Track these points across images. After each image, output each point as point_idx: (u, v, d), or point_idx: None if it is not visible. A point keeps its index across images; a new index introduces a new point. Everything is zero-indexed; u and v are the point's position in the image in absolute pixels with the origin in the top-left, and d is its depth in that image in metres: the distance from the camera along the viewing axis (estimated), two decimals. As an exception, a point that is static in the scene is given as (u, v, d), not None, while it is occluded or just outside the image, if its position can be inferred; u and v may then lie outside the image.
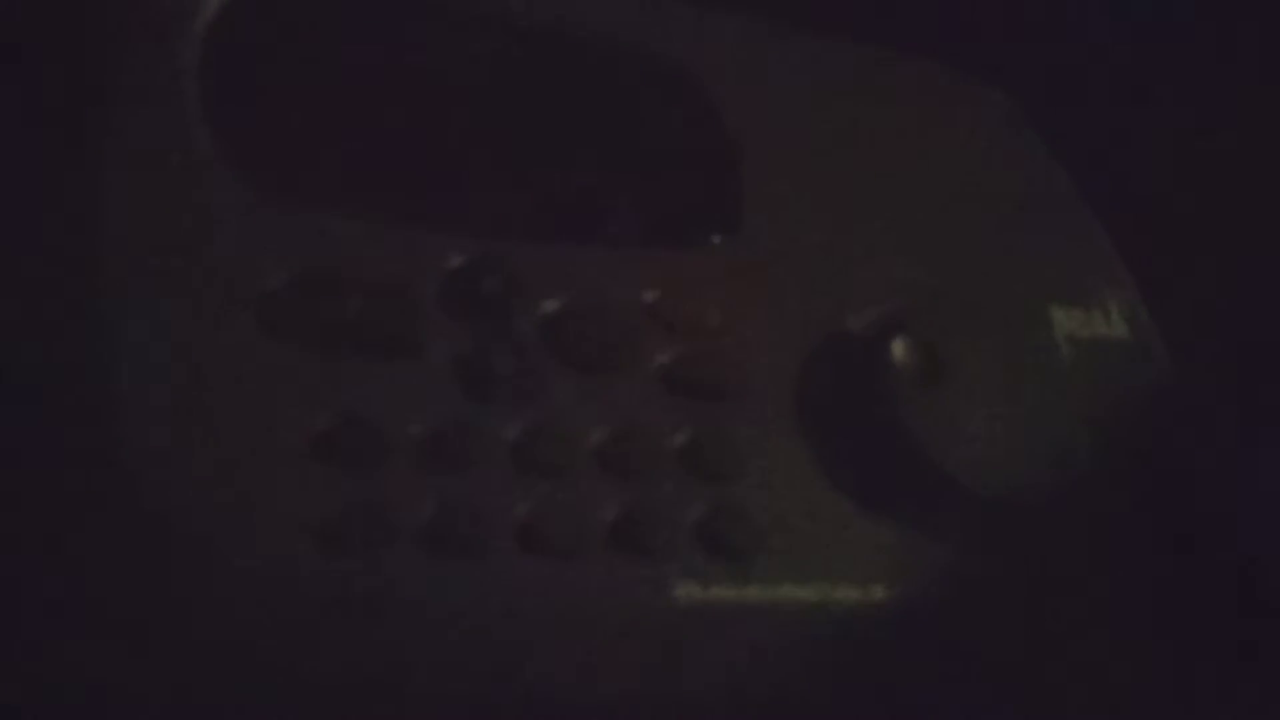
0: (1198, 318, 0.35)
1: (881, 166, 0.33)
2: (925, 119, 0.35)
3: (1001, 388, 0.31)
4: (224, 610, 0.25)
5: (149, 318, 0.25)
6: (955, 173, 0.34)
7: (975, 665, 0.29)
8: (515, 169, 0.30)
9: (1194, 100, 0.39)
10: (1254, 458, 0.34)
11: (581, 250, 0.29)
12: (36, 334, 0.25)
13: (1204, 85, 0.39)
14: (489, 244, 0.28)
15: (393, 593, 0.25)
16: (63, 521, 0.24)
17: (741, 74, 0.33)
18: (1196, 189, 0.38)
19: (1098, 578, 0.30)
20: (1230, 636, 0.31)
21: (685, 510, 0.28)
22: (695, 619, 0.27)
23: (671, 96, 0.32)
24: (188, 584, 0.24)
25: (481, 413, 0.27)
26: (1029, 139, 0.36)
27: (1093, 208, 0.36)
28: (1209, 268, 0.37)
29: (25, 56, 0.27)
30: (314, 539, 0.25)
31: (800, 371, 0.30)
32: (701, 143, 0.32)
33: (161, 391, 0.25)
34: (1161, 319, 0.35)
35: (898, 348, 0.30)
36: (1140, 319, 0.35)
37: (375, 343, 0.27)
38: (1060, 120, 0.36)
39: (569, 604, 0.27)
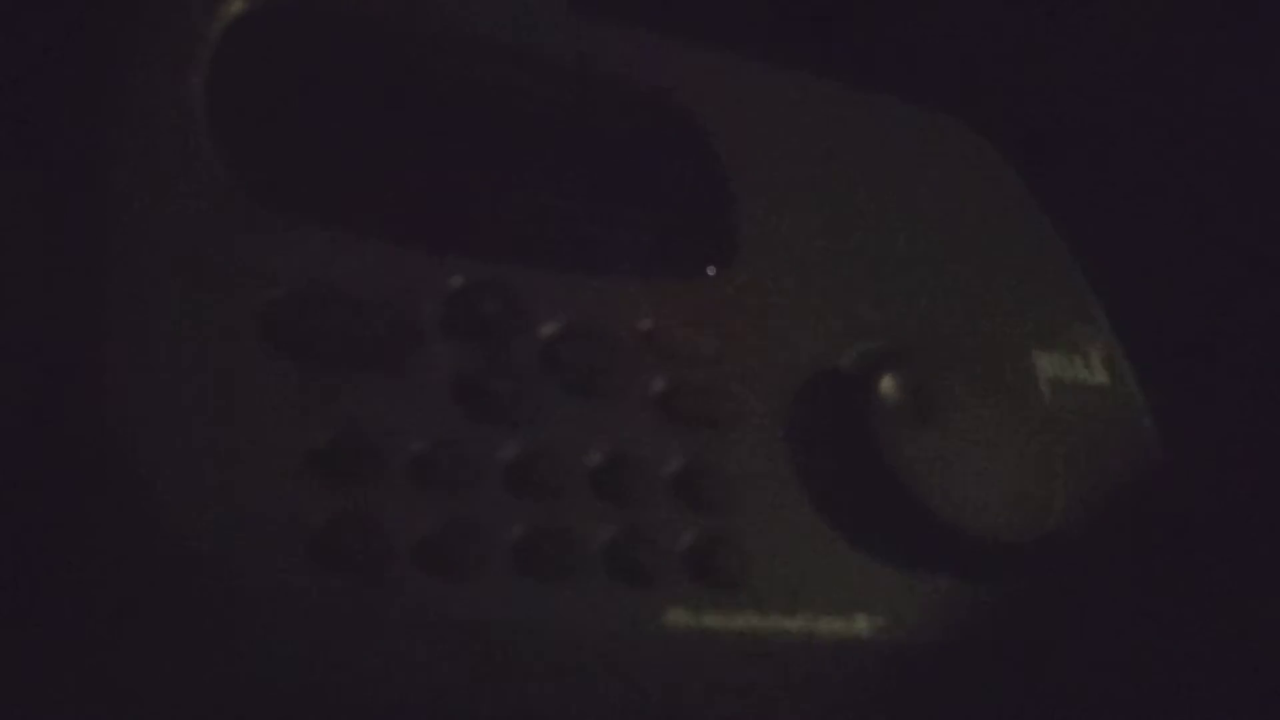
0: (1174, 360, 0.36)
1: (873, 206, 0.34)
2: (917, 161, 0.35)
3: (987, 427, 0.31)
4: (216, 623, 0.24)
5: (151, 327, 0.25)
6: (944, 214, 0.35)
7: (959, 699, 0.29)
8: (519, 195, 0.31)
9: (1172, 140, 0.40)
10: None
11: (581, 276, 0.30)
12: (37, 344, 0.25)
13: (1182, 123, 0.40)
14: (491, 267, 0.29)
15: (386, 608, 0.25)
16: (57, 532, 0.24)
17: (740, 110, 0.33)
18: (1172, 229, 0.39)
19: (1082, 612, 0.31)
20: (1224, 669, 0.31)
21: (676, 538, 0.28)
22: (685, 646, 0.27)
23: (671, 130, 0.33)
24: (180, 595, 0.24)
25: (478, 432, 0.27)
26: (1014, 183, 0.37)
27: (1073, 250, 0.37)
28: (1186, 307, 0.38)
29: (34, 68, 0.27)
30: (308, 552, 0.25)
31: (791, 404, 0.31)
32: (699, 176, 0.32)
33: (160, 401, 0.25)
34: (1138, 360, 0.35)
35: (886, 385, 0.31)
36: (1120, 366, 0.35)
37: (374, 359, 0.27)
38: (1042, 164, 0.37)
39: (561, 626, 0.27)
